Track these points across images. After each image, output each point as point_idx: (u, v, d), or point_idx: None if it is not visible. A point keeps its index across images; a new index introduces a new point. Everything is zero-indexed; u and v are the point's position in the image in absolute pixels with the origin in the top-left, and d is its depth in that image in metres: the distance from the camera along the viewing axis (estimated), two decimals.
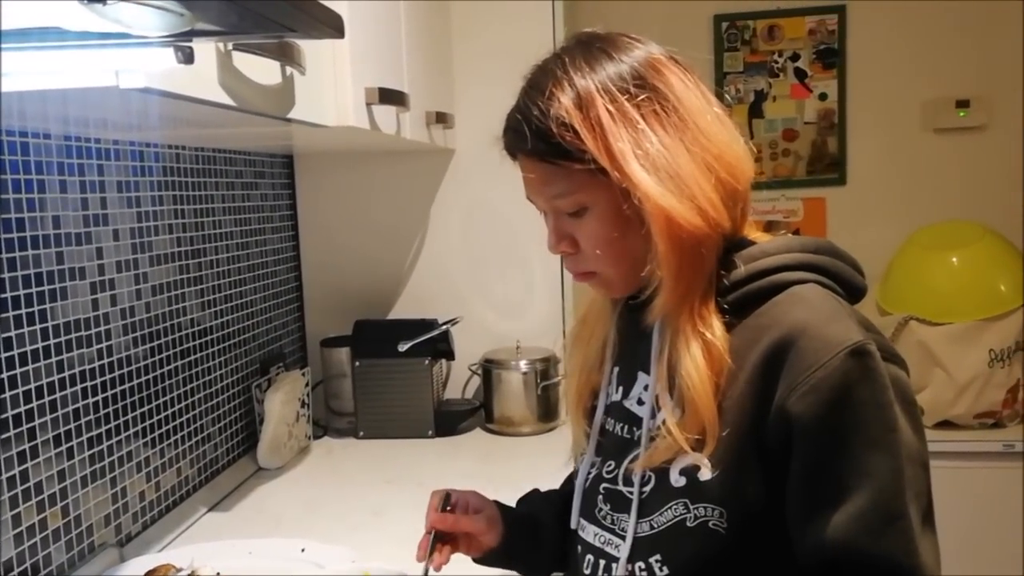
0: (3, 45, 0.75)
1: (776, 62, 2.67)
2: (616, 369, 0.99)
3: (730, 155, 0.88)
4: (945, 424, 2.20)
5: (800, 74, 2.66)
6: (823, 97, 2.66)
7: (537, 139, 0.87)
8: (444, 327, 2.04)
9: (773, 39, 2.66)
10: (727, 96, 2.62)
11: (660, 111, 0.86)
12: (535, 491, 1.14)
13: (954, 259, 2.24)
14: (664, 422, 0.86)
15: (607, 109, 0.84)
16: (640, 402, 0.93)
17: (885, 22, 2.60)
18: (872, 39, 2.62)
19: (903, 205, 2.62)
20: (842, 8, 2.61)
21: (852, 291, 0.91)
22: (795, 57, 2.66)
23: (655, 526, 0.87)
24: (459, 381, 2.20)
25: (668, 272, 0.85)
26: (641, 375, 0.94)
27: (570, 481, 1.16)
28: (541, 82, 0.88)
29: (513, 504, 1.11)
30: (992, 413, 2.16)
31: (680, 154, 0.85)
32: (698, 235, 0.84)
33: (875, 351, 0.82)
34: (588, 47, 0.89)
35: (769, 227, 2.71)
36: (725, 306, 0.87)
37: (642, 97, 0.85)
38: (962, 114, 2.56)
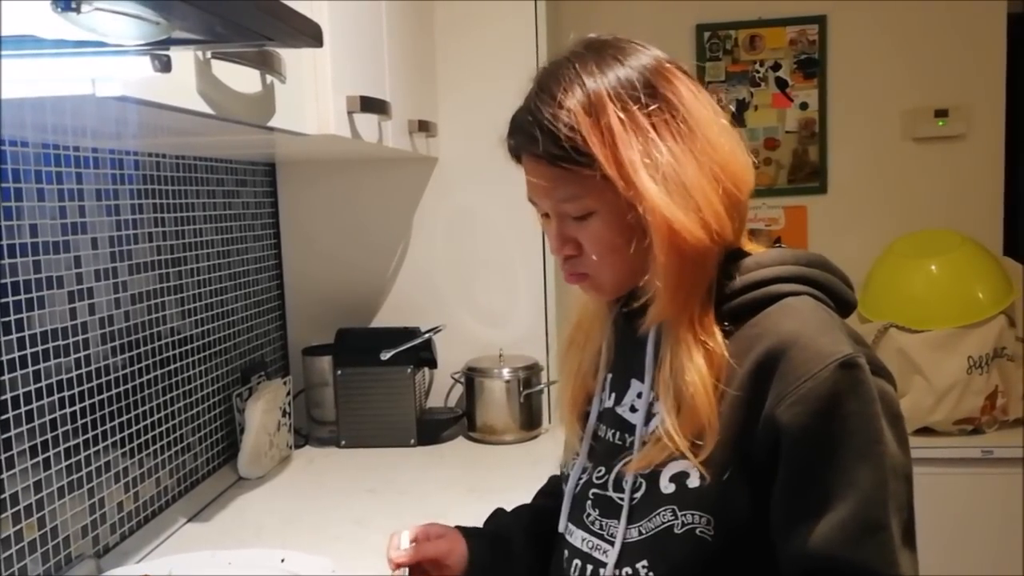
0: None
1: (758, 71, 2.68)
2: (609, 376, 0.99)
3: (735, 165, 0.88)
4: (925, 431, 2.21)
5: (781, 83, 2.68)
6: (804, 106, 2.68)
7: (548, 142, 0.86)
8: (427, 335, 2.03)
9: (755, 49, 2.68)
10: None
11: (670, 120, 0.85)
12: (500, 510, 1.14)
13: (933, 267, 2.25)
14: (663, 422, 0.86)
15: (618, 116, 0.84)
16: (633, 409, 0.93)
17: (865, 32, 2.63)
18: (852, 49, 2.64)
19: (883, 213, 2.65)
20: (823, 18, 2.64)
21: (842, 304, 0.92)
22: (776, 67, 2.67)
23: (643, 532, 0.88)
24: (442, 389, 2.19)
25: (667, 283, 0.85)
26: (634, 382, 0.94)
27: (543, 491, 1.16)
28: (551, 85, 0.87)
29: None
30: (971, 419, 2.18)
31: (689, 164, 0.84)
32: (700, 247, 0.84)
33: (864, 364, 0.82)
34: (599, 52, 0.88)
35: (751, 235, 2.72)
36: (721, 315, 0.87)
37: (653, 106, 0.85)
38: (941, 123, 2.59)
